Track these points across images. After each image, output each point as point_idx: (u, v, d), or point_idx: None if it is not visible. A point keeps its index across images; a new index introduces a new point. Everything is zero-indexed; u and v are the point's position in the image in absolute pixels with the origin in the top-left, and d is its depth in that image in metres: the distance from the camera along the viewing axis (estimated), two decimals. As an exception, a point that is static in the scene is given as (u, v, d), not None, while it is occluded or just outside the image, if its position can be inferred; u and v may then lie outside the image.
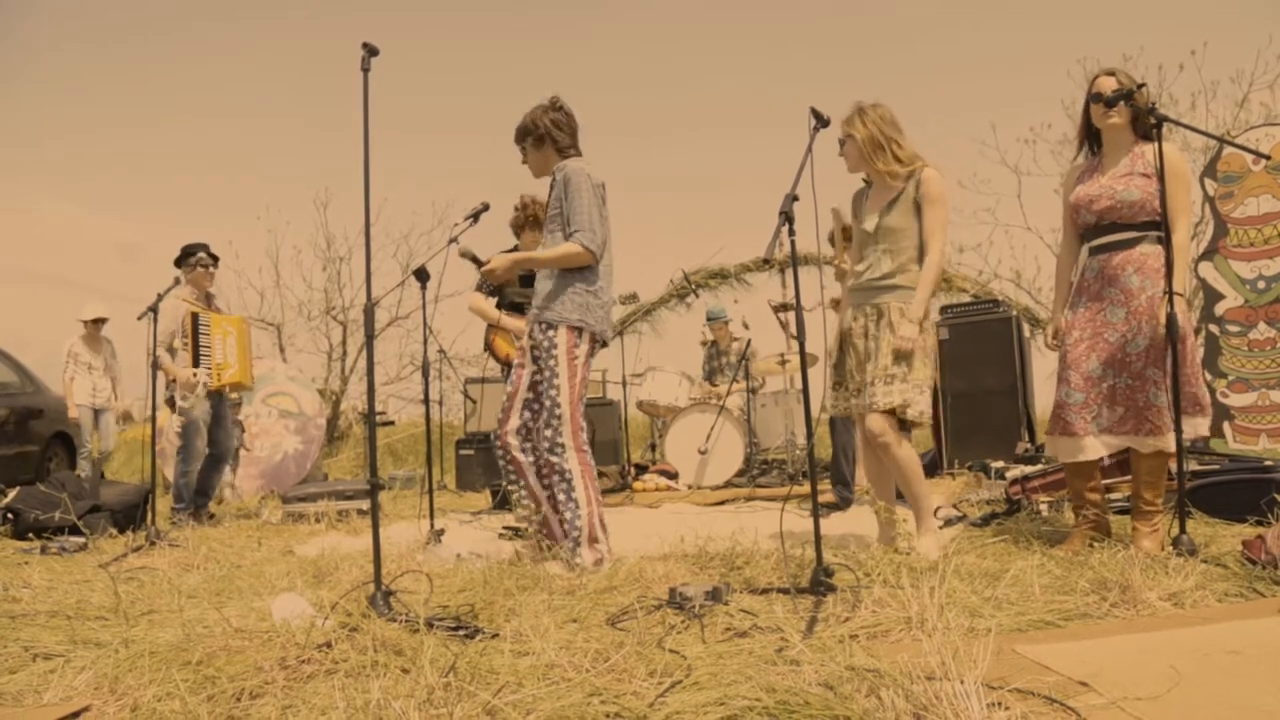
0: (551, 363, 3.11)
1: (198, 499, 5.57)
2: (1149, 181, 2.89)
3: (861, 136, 3.10)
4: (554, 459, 3.07)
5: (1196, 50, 8.98)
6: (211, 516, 5.50)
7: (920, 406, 3.02)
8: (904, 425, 3.12)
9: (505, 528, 4.44)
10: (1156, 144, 2.84)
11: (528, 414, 3.24)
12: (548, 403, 3.09)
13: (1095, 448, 2.97)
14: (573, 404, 3.11)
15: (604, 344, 3.31)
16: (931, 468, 6.28)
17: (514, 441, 3.20)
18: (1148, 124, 2.93)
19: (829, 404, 3.30)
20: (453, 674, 1.74)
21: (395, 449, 10.87)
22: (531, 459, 3.21)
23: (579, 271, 3.16)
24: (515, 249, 5.24)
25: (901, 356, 3.00)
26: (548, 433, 3.09)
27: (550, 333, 3.14)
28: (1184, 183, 2.89)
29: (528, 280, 5.19)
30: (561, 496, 3.09)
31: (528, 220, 5.09)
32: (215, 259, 5.68)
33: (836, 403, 3.26)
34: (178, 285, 5.30)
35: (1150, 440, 2.88)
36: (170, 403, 5.38)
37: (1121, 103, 2.90)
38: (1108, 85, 2.97)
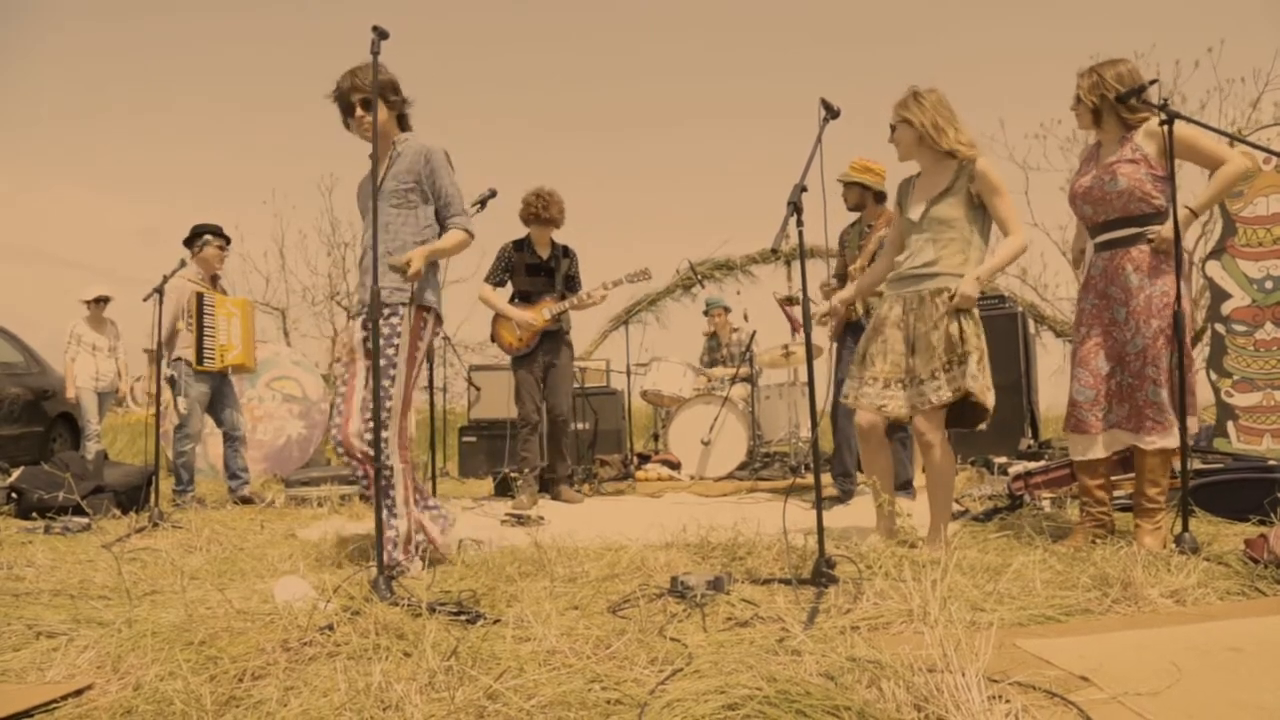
0: (391, 351, 2.80)
1: (233, 482, 5.58)
2: (1135, 168, 2.89)
3: (920, 121, 3.04)
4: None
5: (1213, 48, 8.88)
6: (247, 500, 5.48)
7: (980, 390, 2.98)
8: (965, 418, 3.08)
9: (507, 514, 4.46)
10: (1168, 142, 2.82)
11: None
12: (380, 394, 2.64)
13: (1106, 443, 3.00)
14: (406, 398, 2.85)
15: (440, 320, 3.05)
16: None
17: (357, 444, 2.86)
18: (1124, 116, 2.94)
19: (846, 389, 3.26)
20: (454, 658, 1.75)
21: (398, 435, 10.88)
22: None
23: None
24: (526, 239, 5.26)
25: (955, 341, 3.00)
26: (373, 425, 2.64)
27: (394, 318, 2.83)
28: (1190, 145, 2.89)
29: (535, 269, 5.20)
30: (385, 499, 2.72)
31: (544, 214, 5.13)
32: (227, 241, 5.67)
33: (849, 389, 3.21)
34: (184, 266, 5.31)
35: (1150, 438, 2.88)
36: (171, 382, 5.39)
37: (1123, 100, 2.90)
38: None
